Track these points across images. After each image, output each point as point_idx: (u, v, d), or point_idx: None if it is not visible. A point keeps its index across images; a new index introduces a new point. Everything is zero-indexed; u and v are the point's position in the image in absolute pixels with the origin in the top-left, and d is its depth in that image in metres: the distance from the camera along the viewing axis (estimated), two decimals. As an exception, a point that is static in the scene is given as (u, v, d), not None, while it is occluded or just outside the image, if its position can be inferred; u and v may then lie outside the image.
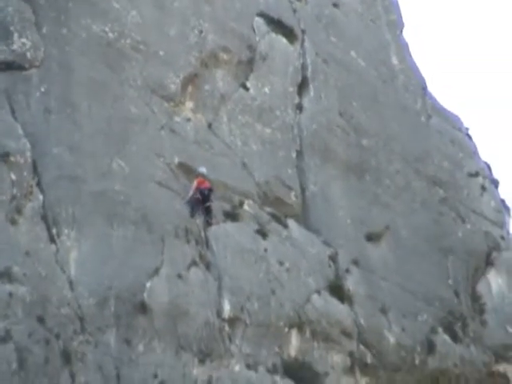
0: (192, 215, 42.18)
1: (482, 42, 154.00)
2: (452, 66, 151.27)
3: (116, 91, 42.09)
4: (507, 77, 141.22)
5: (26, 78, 40.38)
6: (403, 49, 54.31)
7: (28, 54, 40.56)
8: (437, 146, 51.83)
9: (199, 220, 42.50)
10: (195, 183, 42.53)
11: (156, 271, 39.76)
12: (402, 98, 52.21)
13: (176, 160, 42.79)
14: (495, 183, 52.64)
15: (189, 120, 44.35)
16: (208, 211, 42.84)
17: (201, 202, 42.66)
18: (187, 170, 42.93)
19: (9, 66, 40.15)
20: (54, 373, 36.09)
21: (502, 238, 50.84)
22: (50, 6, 41.79)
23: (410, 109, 52.35)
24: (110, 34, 42.89)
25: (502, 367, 43.45)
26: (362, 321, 45.02)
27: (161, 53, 44.23)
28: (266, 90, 47.43)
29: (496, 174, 53.45)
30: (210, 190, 42.87)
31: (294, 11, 49.76)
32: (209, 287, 41.12)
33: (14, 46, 40.39)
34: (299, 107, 48.21)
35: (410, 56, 53.47)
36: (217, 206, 43.04)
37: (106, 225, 39.31)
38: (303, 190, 46.94)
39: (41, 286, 37.22)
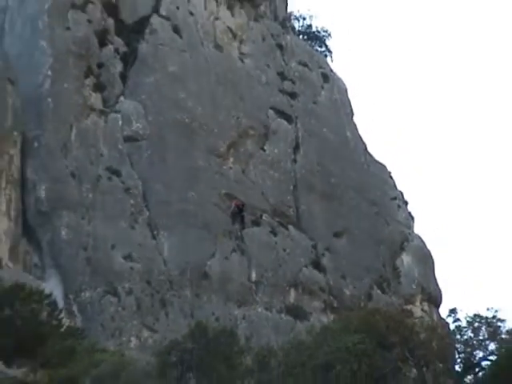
0: (233, 223, 42.40)
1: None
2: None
3: (190, 153, 42.29)
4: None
5: (139, 146, 41.22)
6: (354, 127, 52.95)
7: (140, 132, 41.43)
8: (373, 182, 51.03)
9: (237, 226, 42.64)
10: (233, 203, 42.65)
11: (213, 255, 40.52)
12: (353, 155, 51.30)
13: (223, 191, 42.92)
14: (406, 203, 51.94)
15: (231, 168, 44.25)
16: (242, 220, 42.88)
17: (238, 213, 42.67)
18: (230, 197, 42.99)
19: (129, 139, 41.04)
20: (156, 312, 37.09)
21: (410, 234, 50.22)
22: (153, 104, 42.42)
23: (358, 161, 51.48)
24: (187, 120, 43.08)
25: (408, 307, 43.11)
26: (331, 282, 44.95)
27: (215, 130, 44.15)
28: (276, 151, 46.87)
29: (406, 198, 53.68)
30: (243, 205, 42.85)
31: (291, 106, 49.17)
32: (243, 264, 41.67)
33: (133, 128, 41.39)
34: (294, 161, 47.60)
35: (358, 132, 52.48)
36: (247, 218, 43.11)
37: (184, 229, 40.00)
38: (297, 208, 46.32)
39: (148, 263, 38.24)
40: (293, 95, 49.68)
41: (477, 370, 30.54)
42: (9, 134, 37.58)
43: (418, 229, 51.87)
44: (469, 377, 30.60)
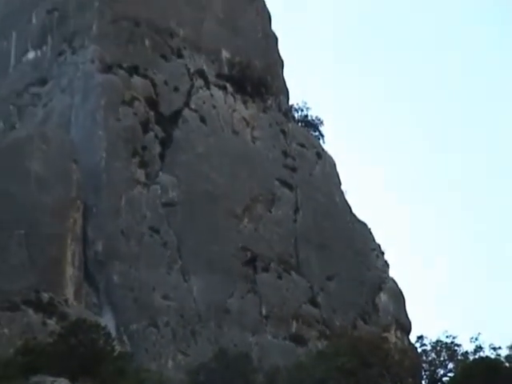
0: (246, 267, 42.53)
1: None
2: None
3: (214, 215, 42.59)
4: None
5: (174, 210, 41.61)
6: (341, 194, 51.48)
7: (175, 199, 41.85)
8: (357, 237, 50.17)
9: (250, 271, 42.73)
10: (248, 254, 42.96)
11: (232, 294, 40.83)
12: (341, 215, 50.31)
13: (240, 245, 43.02)
14: (382, 253, 51.12)
15: (245, 227, 44.06)
16: (255, 267, 43.05)
17: (252, 263, 43.01)
18: (245, 249, 43.06)
19: (166, 205, 41.39)
20: (188, 340, 37.57)
21: (386, 277, 49.58)
22: (185, 177, 42.91)
23: (345, 220, 50.42)
24: (211, 189, 43.33)
25: (385, 334, 42.74)
26: (324, 315, 44.64)
27: (233, 197, 43.95)
28: (280, 213, 46.42)
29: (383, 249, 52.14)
30: (257, 255, 43.35)
31: (292, 177, 48.67)
32: (255, 302, 41.82)
33: (169, 196, 41.76)
34: (295, 220, 47.19)
35: (345, 197, 51.52)
36: (257, 265, 43.18)
37: (210, 273, 40.33)
38: (297, 256, 45.93)
39: (181, 301, 38.60)
40: (293, 169, 49.62)
41: (439, 384, 30.92)
42: (73, 202, 38.69)
43: (393, 273, 51.73)
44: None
